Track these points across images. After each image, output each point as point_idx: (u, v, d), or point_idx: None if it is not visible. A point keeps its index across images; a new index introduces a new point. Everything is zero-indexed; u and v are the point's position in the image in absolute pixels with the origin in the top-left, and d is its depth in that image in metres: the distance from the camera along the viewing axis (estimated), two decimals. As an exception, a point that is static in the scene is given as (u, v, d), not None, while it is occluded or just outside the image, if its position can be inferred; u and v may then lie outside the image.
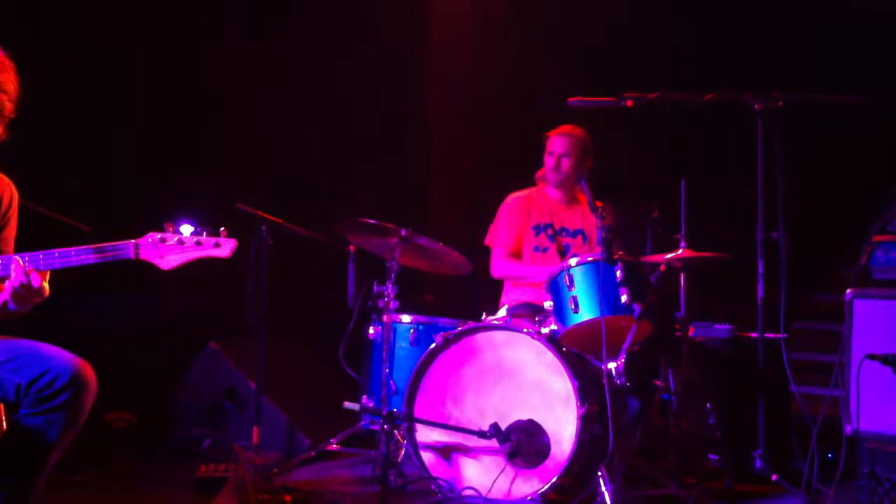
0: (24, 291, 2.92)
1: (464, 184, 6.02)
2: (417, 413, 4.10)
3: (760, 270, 4.20)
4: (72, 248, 2.97)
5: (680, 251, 4.33)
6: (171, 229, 2.99)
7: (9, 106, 3.14)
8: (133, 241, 2.98)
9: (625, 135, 5.47)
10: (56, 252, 2.97)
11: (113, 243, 2.98)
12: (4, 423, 3.17)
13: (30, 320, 3.21)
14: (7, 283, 2.93)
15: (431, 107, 6.28)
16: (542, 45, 6.11)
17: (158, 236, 2.98)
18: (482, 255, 4.93)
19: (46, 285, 2.97)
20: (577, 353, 4.20)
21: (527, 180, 5.01)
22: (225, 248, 3.01)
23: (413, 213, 4.78)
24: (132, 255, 2.97)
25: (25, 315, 3.16)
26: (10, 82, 3.13)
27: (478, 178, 5.91)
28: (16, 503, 2.99)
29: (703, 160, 5.60)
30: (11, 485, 2.98)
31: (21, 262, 2.92)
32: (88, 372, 2.99)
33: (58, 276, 3.04)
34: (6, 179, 3.31)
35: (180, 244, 2.98)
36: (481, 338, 4.15)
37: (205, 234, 3.01)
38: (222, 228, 3.03)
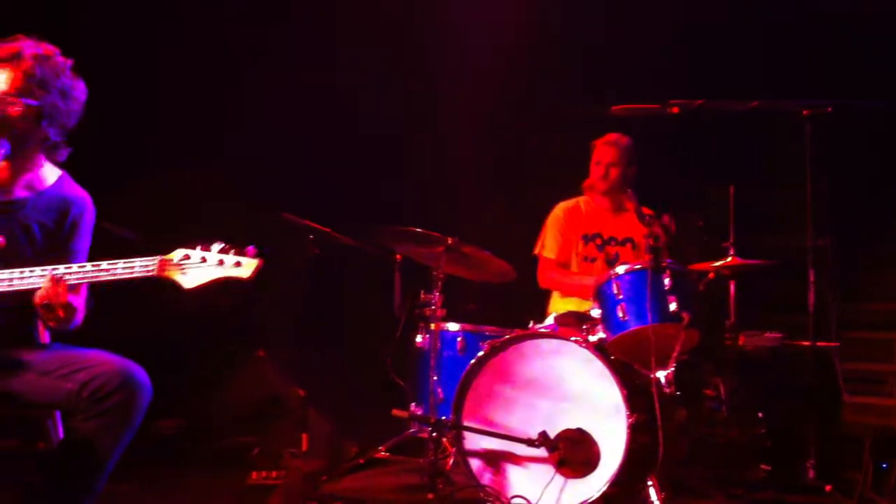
0: (47, 306, 2.94)
1: (510, 192, 6.01)
2: (465, 421, 4.10)
3: (811, 278, 4.16)
4: (102, 262, 2.97)
5: (729, 259, 4.30)
6: (198, 246, 2.95)
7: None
8: (159, 257, 2.95)
9: (670, 141, 5.44)
10: (89, 266, 2.98)
11: (140, 258, 2.95)
12: (61, 431, 3.23)
13: (78, 330, 3.27)
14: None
15: (471, 114, 6.29)
16: (577, 50, 6.10)
17: (183, 252, 2.95)
18: (528, 264, 4.93)
19: (74, 298, 2.97)
20: (625, 361, 4.17)
21: (575, 189, 5.00)
22: (246, 268, 2.93)
23: (457, 222, 4.77)
24: (155, 273, 2.93)
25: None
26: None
27: (525, 186, 5.90)
28: (72, 504, 3.04)
29: (749, 166, 5.55)
30: (69, 487, 3.03)
31: (50, 274, 2.95)
32: (139, 374, 3.02)
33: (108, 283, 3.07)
34: (80, 191, 3.34)
35: (203, 262, 2.93)
36: (528, 346, 4.14)
37: (232, 251, 2.94)
38: (249, 247, 2.96)
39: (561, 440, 3.95)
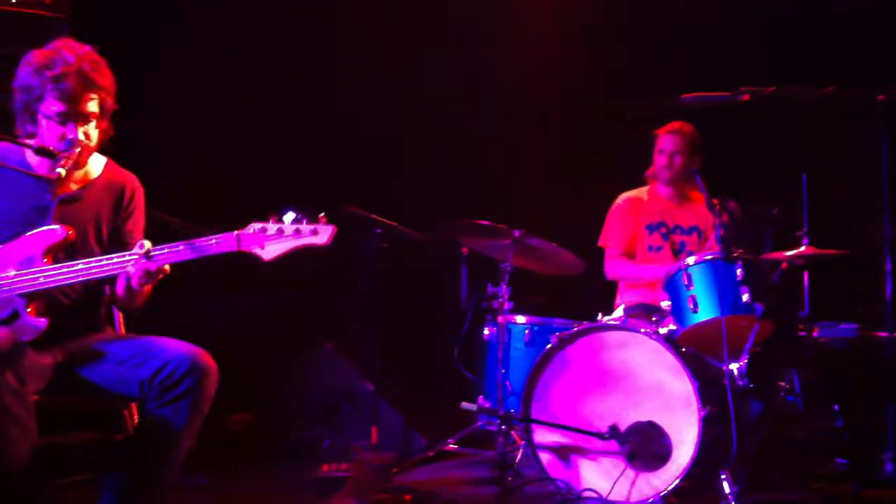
0: (145, 276, 3.00)
1: (573, 183, 5.97)
2: (534, 414, 4.08)
3: (888, 268, 4.06)
4: (178, 243, 3.01)
5: (802, 248, 4.21)
6: (272, 218, 2.97)
7: (109, 101, 3.22)
8: (235, 231, 2.98)
9: (739, 130, 5.35)
10: (164, 247, 3.02)
11: (216, 235, 2.99)
12: (136, 418, 3.29)
13: (148, 323, 3.33)
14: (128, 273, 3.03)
15: (535, 106, 6.27)
16: (643, 38, 6.03)
17: (259, 225, 2.96)
18: (595, 255, 4.88)
19: (166, 266, 3.03)
20: (696, 353, 4.12)
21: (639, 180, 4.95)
22: (323, 234, 2.94)
23: (525, 215, 4.75)
24: (235, 247, 2.97)
25: (143, 314, 3.27)
26: (107, 78, 3.21)
27: (594, 176, 5.85)
28: (148, 496, 3.10)
29: (823, 154, 5.43)
30: (144, 477, 3.09)
31: (138, 252, 3.01)
32: (207, 359, 3.06)
33: (177, 278, 3.11)
34: (128, 174, 3.40)
35: (280, 233, 2.94)
36: (597, 338, 4.11)
37: (305, 221, 2.96)
38: (321, 214, 2.96)
39: (631, 433, 3.91)
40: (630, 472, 3.90)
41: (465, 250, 4.93)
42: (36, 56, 3.15)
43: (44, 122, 3.13)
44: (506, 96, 6.21)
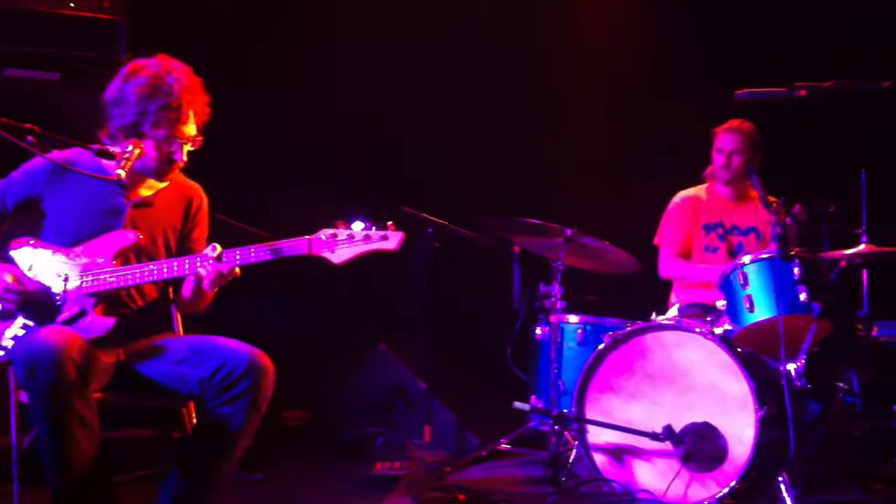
0: (217, 278, 3.09)
1: (628, 181, 5.93)
2: (587, 414, 4.07)
3: (950, 266, 3.98)
4: (250, 247, 3.10)
5: (861, 246, 4.15)
6: (341, 225, 3.07)
7: (205, 120, 3.32)
8: (306, 237, 3.08)
9: (796, 126, 5.27)
10: (237, 251, 3.10)
11: (288, 240, 3.09)
12: (194, 417, 3.35)
13: (206, 324, 3.38)
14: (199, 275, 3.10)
15: (589, 105, 6.24)
16: (697, 35, 5.98)
17: (330, 231, 3.07)
18: (649, 254, 4.85)
19: (237, 269, 3.12)
20: (752, 353, 4.07)
21: (696, 178, 4.90)
22: (392, 240, 3.06)
23: (578, 213, 4.73)
24: (306, 251, 3.07)
25: (205, 315, 3.32)
26: (207, 100, 3.31)
27: (649, 175, 5.81)
28: (205, 492, 3.15)
29: (882, 151, 5.34)
30: (202, 474, 3.14)
31: (209, 253, 3.07)
32: (264, 360, 3.13)
33: (236, 281, 3.17)
34: (194, 185, 3.50)
35: (350, 238, 3.06)
36: (651, 338, 4.08)
37: (374, 228, 3.08)
38: (390, 222, 3.08)
39: (686, 434, 3.88)
40: (685, 474, 3.88)
41: (517, 249, 4.92)
42: (145, 75, 3.22)
43: (150, 141, 3.21)
44: (559, 94, 6.19)
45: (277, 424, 5.06)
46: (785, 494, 3.66)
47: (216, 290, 3.18)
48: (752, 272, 3.96)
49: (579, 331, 4.57)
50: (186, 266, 3.12)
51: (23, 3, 4.57)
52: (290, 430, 5.11)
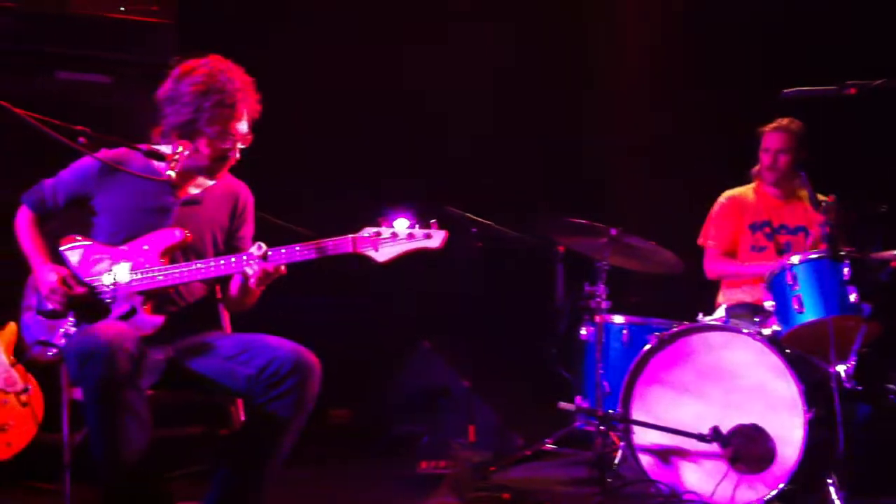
0: (263, 275, 3.11)
1: (673, 180, 5.89)
2: (633, 415, 4.05)
3: None
4: (295, 245, 3.12)
5: (914, 247, 4.08)
6: (384, 224, 3.08)
7: (255, 118, 3.36)
8: (351, 235, 3.09)
9: (847, 125, 5.20)
10: (283, 249, 3.13)
11: (332, 239, 3.10)
12: (242, 414, 3.38)
13: (253, 321, 3.41)
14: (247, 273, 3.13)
15: (634, 103, 6.21)
16: (743, 31, 5.92)
17: (374, 230, 3.08)
18: (694, 254, 4.81)
19: (282, 267, 3.14)
20: (801, 354, 4.03)
21: (742, 178, 4.86)
22: (436, 239, 3.07)
23: (623, 213, 4.72)
24: (350, 249, 3.08)
25: (252, 313, 3.35)
26: (258, 98, 3.35)
27: (688, 173, 5.77)
28: (253, 488, 3.17)
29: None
30: (250, 471, 3.17)
31: (256, 252, 3.10)
32: (311, 358, 3.15)
33: (281, 280, 3.19)
34: (242, 183, 3.53)
35: (394, 237, 3.06)
36: (698, 339, 4.05)
37: (417, 226, 3.08)
38: (433, 220, 3.09)
39: (734, 435, 3.85)
40: (733, 475, 3.84)
41: (561, 249, 4.91)
42: (199, 74, 3.27)
43: (203, 138, 3.25)
44: (603, 94, 6.16)
45: (322, 422, 5.09)
46: (834, 496, 3.63)
47: (263, 288, 3.21)
48: (802, 272, 3.92)
49: (624, 331, 4.55)
50: (233, 264, 3.15)
51: (74, 7, 4.65)
52: (335, 427, 5.14)
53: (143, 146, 3.22)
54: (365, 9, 5.77)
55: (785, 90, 4.19)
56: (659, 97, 6.10)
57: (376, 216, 3.13)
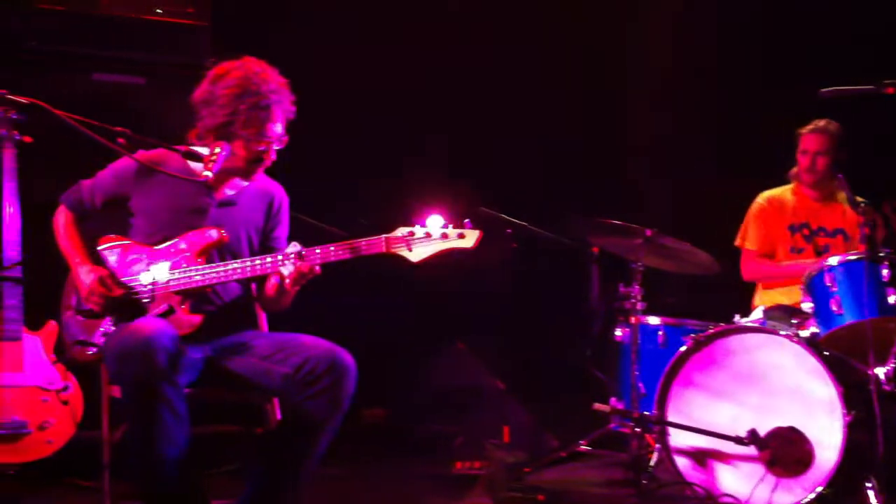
0: (300, 276, 3.13)
1: (708, 180, 5.86)
2: (668, 417, 4.02)
3: None
4: (329, 245, 3.14)
5: (956, 248, 4.02)
6: (418, 223, 3.09)
7: (289, 117, 3.37)
8: (384, 235, 3.10)
9: (885, 125, 5.15)
10: (317, 249, 3.14)
11: (366, 239, 3.11)
12: (278, 413, 3.40)
13: (289, 321, 3.43)
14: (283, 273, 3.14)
15: (669, 103, 6.17)
16: (779, 30, 5.87)
17: (407, 230, 3.09)
18: (730, 256, 4.78)
19: (317, 267, 3.15)
20: (839, 356, 3.98)
21: (778, 178, 4.82)
22: (469, 239, 3.07)
23: (658, 213, 4.69)
24: (384, 249, 3.09)
25: (287, 313, 3.37)
26: (292, 100, 3.36)
27: (724, 173, 5.74)
28: (288, 487, 3.20)
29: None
30: (285, 469, 3.19)
31: (292, 252, 3.12)
32: (346, 358, 3.17)
33: (316, 279, 3.21)
34: (277, 184, 3.55)
35: (427, 236, 3.07)
36: (734, 340, 4.02)
37: (450, 226, 3.09)
38: (466, 220, 3.09)
39: (772, 438, 3.82)
40: (770, 478, 3.81)
41: (595, 250, 4.89)
42: (234, 77, 3.28)
43: (239, 140, 3.26)
44: (638, 95, 6.14)
45: (357, 422, 5.11)
46: (873, 500, 3.59)
47: (297, 288, 3.22)
48: (840, 274, 3.89)
49: (660, 332, 4.52)
50: (269, 264, 3.16)
51: (110, 8, 4.69)
52: (369, 427, 5.16)
53: (182, 147, 3.25)
54: (398, 8, 5.78)
55: (822, 90, 4.16)
56: (696, 98, 6.06)
57: (410, 216, 3.14)
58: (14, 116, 3.40)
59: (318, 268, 3.16)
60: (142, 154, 3.29)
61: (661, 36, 6.14)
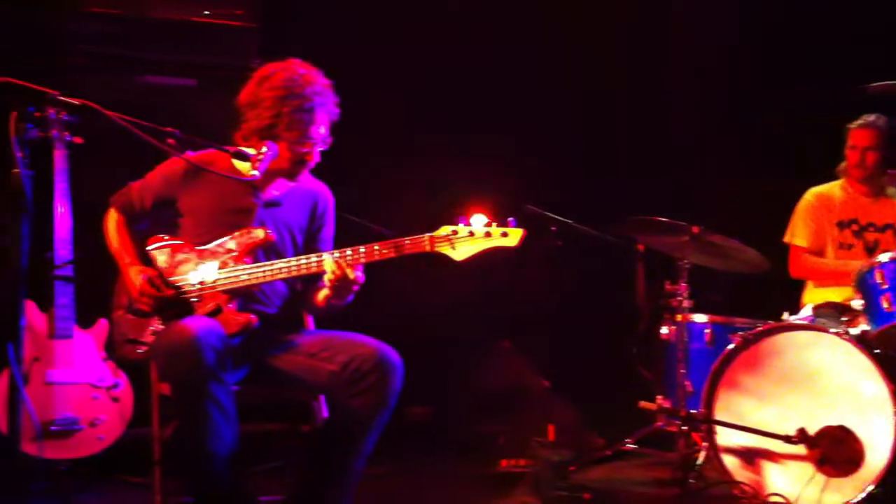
0: (341, 283, 3.14)
1: (757, 177, 5.79)
2: (716, 415, 3.98)
3: None
4: (374, 244, 3.15)
5: None
6: (462, 222, 3.10)
7: (333, 119, 3.40)
8: (427, 234, 3.12)
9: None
10: (362, 247, 3.16)
11: (410, 238, 3.13)
12: (325, 410, 3.43)
13: (337, 319, 3.45)
14: (325, 278, 3.15)
15: (716, 98, 6.12)
16: (820, 25, 5.79)
17: (451, 229, 3.10)
18: (777, 253, 4.73)
19: (360, 274, 3.17)
20: (890, 354, 3.92)
21: (826, 175, 4.76)
22: (513, 237, 3.09)
23: (705, 210, 4.64)
24: (427, 248, 3.11)
25: (341, 311, 3.39)
26: (333, 104, 3.39)
27: (772, 170, 5.67)
28: (335, 484, 3.23)
29: None
30: (332, 467, 3.22)
31: (333, 258, 3.13)
32: (392, 355, 3.20)
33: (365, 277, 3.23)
34: (322, 185, 3.57)
35: (471, 235, 3.09)
36: (783, 338, 3.97)
37: (494, 225, 3.10)
38: (510, 219, 3.11)
39: (821, 437, 3.76)
40: (820, 478, 3.76)
41: (640, 247, 4.86)
42: (279, 79, 3.32)
43: (283, 142, 3.30)
44: (683, 90, 6.09)
45: (402, 420, 5.11)
46: (926, 501, 3.53)
47: (341, 301, 3.23)
48: (891, 271, 3.83)
49: (707, 331, 4.48)
50: (314, 264, 3.18)
51: (159, 11, 4.75)
52: (414, 425, 5.17)
53: (230, 147, 3.28)
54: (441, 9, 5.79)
55: (870, 84, 4.11)
56: (742, 92, 5.99)
57: (454, 214, 3.15)
58: (66, 118, 3.45)
59: (361, 276, 3.17)
60: (190, 154, 3.33)
61: (707, 28, 6.09)
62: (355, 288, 3.19)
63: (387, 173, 5.40)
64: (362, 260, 3.15)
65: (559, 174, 5.74)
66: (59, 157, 3.79)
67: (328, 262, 3.13)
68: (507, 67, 5.80)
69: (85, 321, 3.95)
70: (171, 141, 3.00)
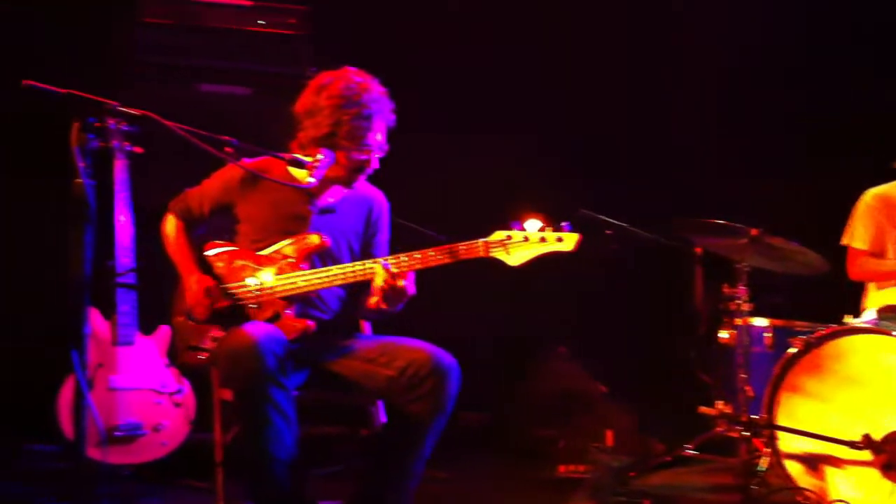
0: (391, 292, 3.14)
1: (814, 178, 5.70)
2: (778, 421, 3.92)
3: None
4: (429, 250, 3.15)
5: None
6: (516, 226, 3.09)
7: (389, 126, 3.41)
8: (482, 239, 3.11)
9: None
10: (417, 253, 3.16)
11: (464, 243, 3.13)
12: (383, 417, 3.44)
13: (395, 325, 3.46)
14: (375, 286, 3.16)
15: (765, 96, 6.04)
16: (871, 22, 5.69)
17: (505, 234, 3.09)
18: (837, 255, 4.64)
19: (410, 285, 3.17)
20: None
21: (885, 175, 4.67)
22: (568, 242, 3.08)
23: (764, 212, 4.58)
24: (482, 253, 3.10)
25: (395, 316, 3.40)
26: (389, 111, 3.40)
27: (830, 170, 5.58)
28: (394, 488, 3.24)
29: None
30: (391, 470, 3.23)
31: (384, 265, 3.14)
32: (449, 360, 3.20)
33: (420, 282, 3.24)
34: (377, 191, 3.59)
35: (526, 240, 3.08)
36: (846, 342, 3.89)
37: (549, 229, 3.09)
38: (564, 223, 3.09)
39: (888, 442, 3.68)
40: (886, 484, 3.68)
41: (698, 250, 4.81)
42: (337, 87, 3.34)
43: (342, 152, 3.32)
44: (738, 93, 6.02)
45: (459, 425, 5.11)
46: None
47: (391, 307, 3.21)
48: (957, 272, 3.75)
49: (767, 334, 4.41)
50: (368, 270, 3.19)
51: (214, 21, 4.82)
52: (472, 430, 5.16)
53: (285, 154, 3.31)
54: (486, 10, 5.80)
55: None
56: (797, 92, 5.91)
57: (508, 219, 3.14)
58: (125, 128, 3.50)
59: (412, 288, 3.18)
60: (246, 162, 3.36)
61: (758, 28, 6.01)
62: (405, 297, 3.19)
63: (433, 176, 5.39)
64: (417, 265, 3.15)
65: (616, 176, 5.70)
66: (120, 167, 3.85)
67: (378, 269, 3.14)
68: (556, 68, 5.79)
69: (147, 328, 4.01)
70: (228, 149, 3.04)
